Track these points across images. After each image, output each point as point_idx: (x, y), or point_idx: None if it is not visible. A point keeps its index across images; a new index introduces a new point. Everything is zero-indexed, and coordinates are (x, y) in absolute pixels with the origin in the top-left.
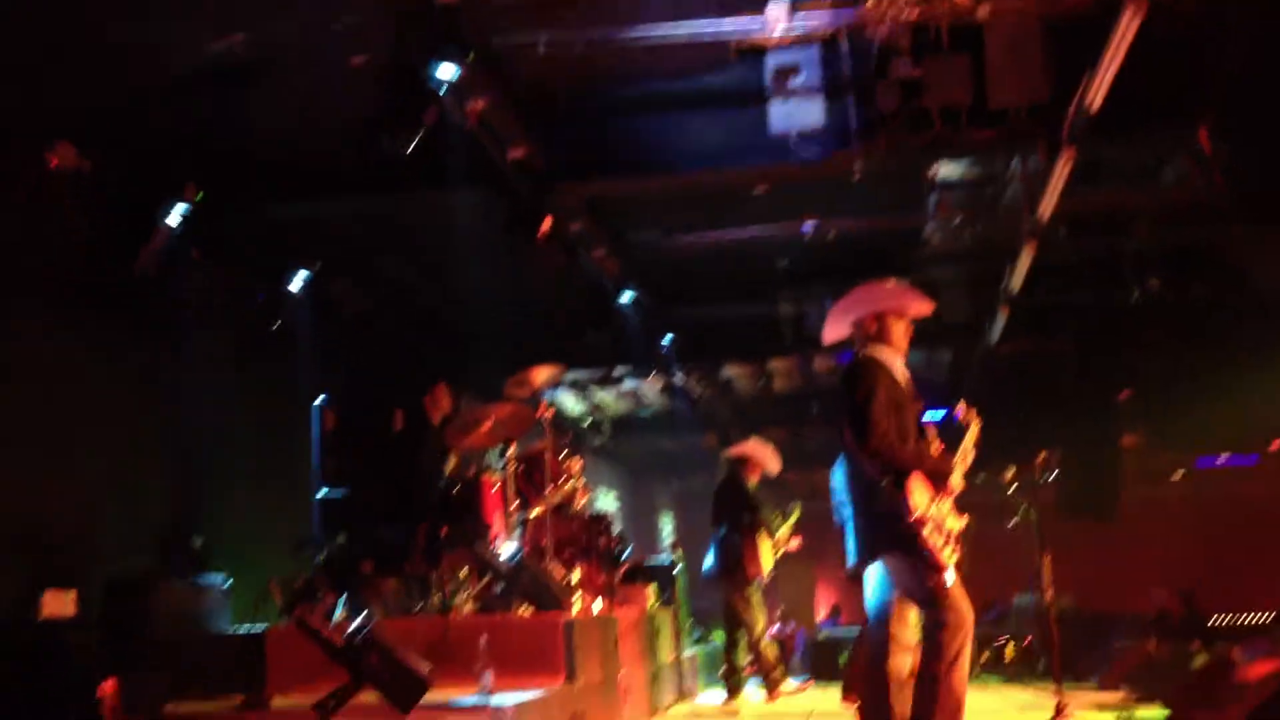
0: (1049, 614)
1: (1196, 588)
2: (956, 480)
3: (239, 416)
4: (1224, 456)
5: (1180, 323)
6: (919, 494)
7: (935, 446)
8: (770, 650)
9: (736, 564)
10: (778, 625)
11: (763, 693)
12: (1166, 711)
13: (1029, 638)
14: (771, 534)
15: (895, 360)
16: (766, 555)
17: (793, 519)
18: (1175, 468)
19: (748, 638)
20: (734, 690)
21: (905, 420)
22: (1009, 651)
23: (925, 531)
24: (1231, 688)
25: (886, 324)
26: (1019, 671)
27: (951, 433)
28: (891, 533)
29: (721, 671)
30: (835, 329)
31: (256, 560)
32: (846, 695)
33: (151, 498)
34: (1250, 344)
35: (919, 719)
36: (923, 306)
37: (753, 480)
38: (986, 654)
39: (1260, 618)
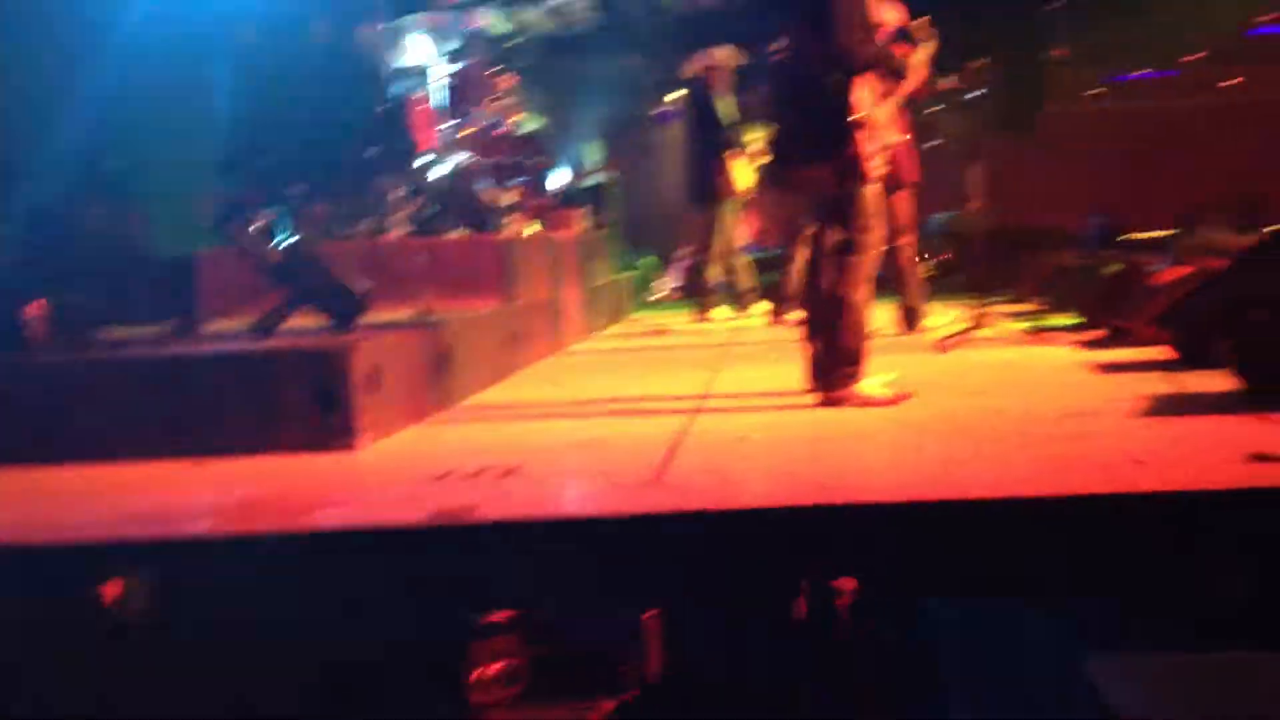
0: (976, 226)
1: (1114, 206)
2: (910, 85)
3: (151, 31)
4: (1144, 70)
5: None
6: (863, 94)
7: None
8: (743, 269)
9: (709, 184)
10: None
11: (734, 310)
12: (1079, 319)
13: (946, 254)
14: (740, 149)
15: None
16: (742, 172)
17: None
18: (1096, 84)
19: (717, 255)
20: (705, 308)
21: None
22: (926, 268)
23: (860, 134)
24: (1142, 292)
25: None
26: (936, 287)
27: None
28: (824, 136)
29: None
30: None
31: (180, 183)
32: (777, 314)
33: (65, 122)
34: None
35: (825, 336)
36: None
37: (721, 93)
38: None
39: (1169, 232)
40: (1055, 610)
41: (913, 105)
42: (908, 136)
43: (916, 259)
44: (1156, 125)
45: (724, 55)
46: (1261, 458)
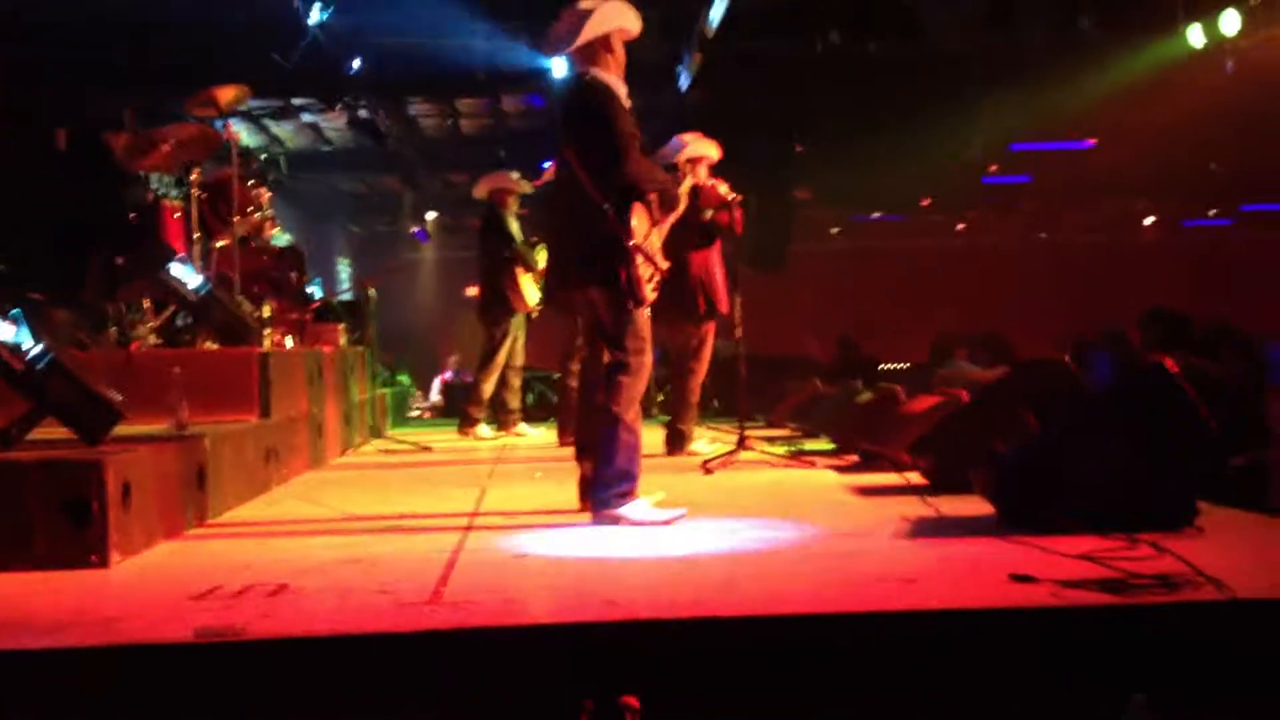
0: (738, 354)
1: (852, 334)
2: (676, 214)
3: None
4: (877, 214)
5: (856, 78)
6: (639, 220)
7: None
8: (515, 388)
9: (499, 299)
10: (450, 372)
11: (495, 430)
12: (832, 444)
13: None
14: (529, 266)
15: (620, 85)
16: (529, 289)
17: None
18: (834, 223)
19: (496, 369)
20: (504, 425)
21: (639, 144)
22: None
23: (638, 260)
24: (897, 419)
25: (615, 44)
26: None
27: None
28: (600, 259)
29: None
30: (581, 37)
31: None
32: (562, 436)
33: None
34: (918, 101)
35: (601, 457)
36: (637, 27)
37: (510, 210)
38: (662, 395)
39: (904, 365)
40: None
41: (725, 238)
42: (719, 269)
43: (699, 386)
44: (895, 263)
45: (515, 177)
46: (1020, 578)
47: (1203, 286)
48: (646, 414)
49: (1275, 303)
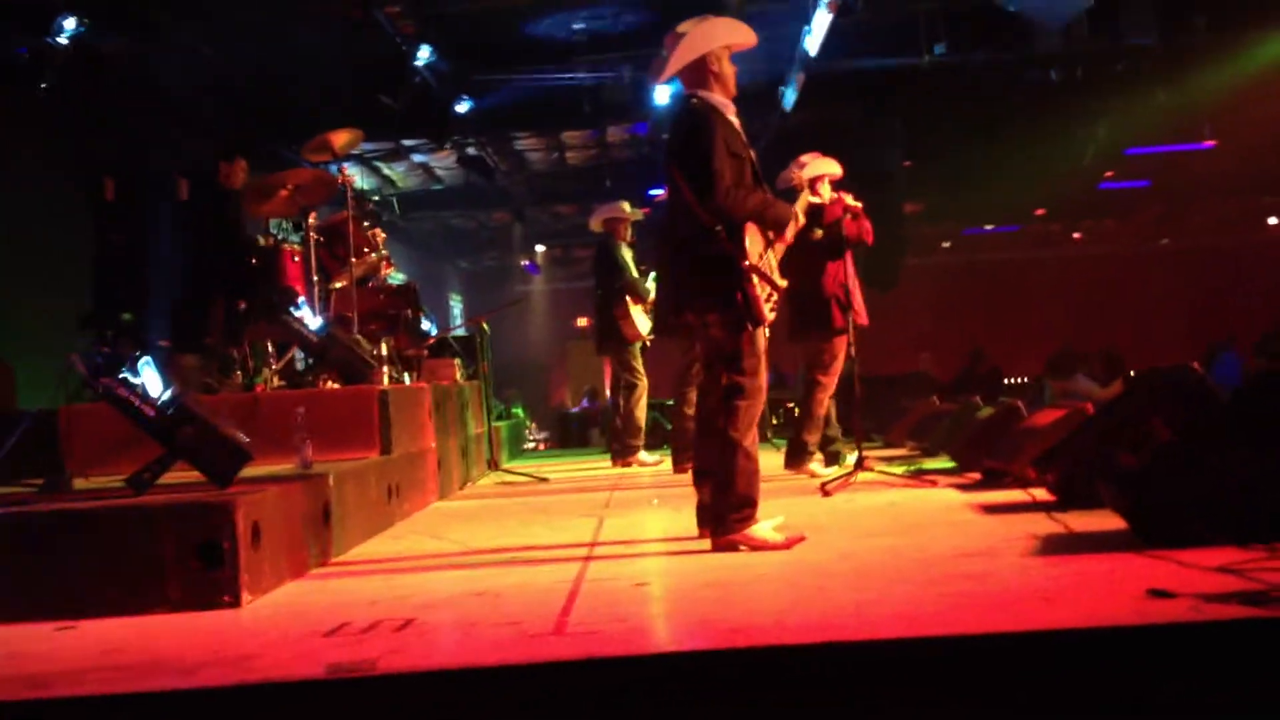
0: (853, 373)
1: (982, 348)
2: (789, 235)
3: (5, 186)
4: (990, 226)
5: (962, 90)
6: (752, 242)
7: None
8: (637, 418)
9: (612, 329)
10: (584, 401)
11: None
12: (953, 462)
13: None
14: (640, 296)
15: (728, 105)
16: (639, 318)
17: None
18: (945, 238)
19: (625, 401)
20: (616, 454)
21: (742, 169)
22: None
23: (754, 280)
24: (1019, 434)
25: (723, 63)
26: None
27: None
28: (715, 282)
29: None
30: (673, 65)
31: (41, 340)
32: (678, 464)
33: None
34: (1027, 109)
35: (721, 481)
36: (750, 37)
37: (624, 239)
38: (775, 419)
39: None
40: None
41: (857, 250)
42: (854, 281)
43: (827, 400)
44: (1010, 276)
45: (626, 206)
46: (1158, 594)
47: None
48: (762, 438)
49: None
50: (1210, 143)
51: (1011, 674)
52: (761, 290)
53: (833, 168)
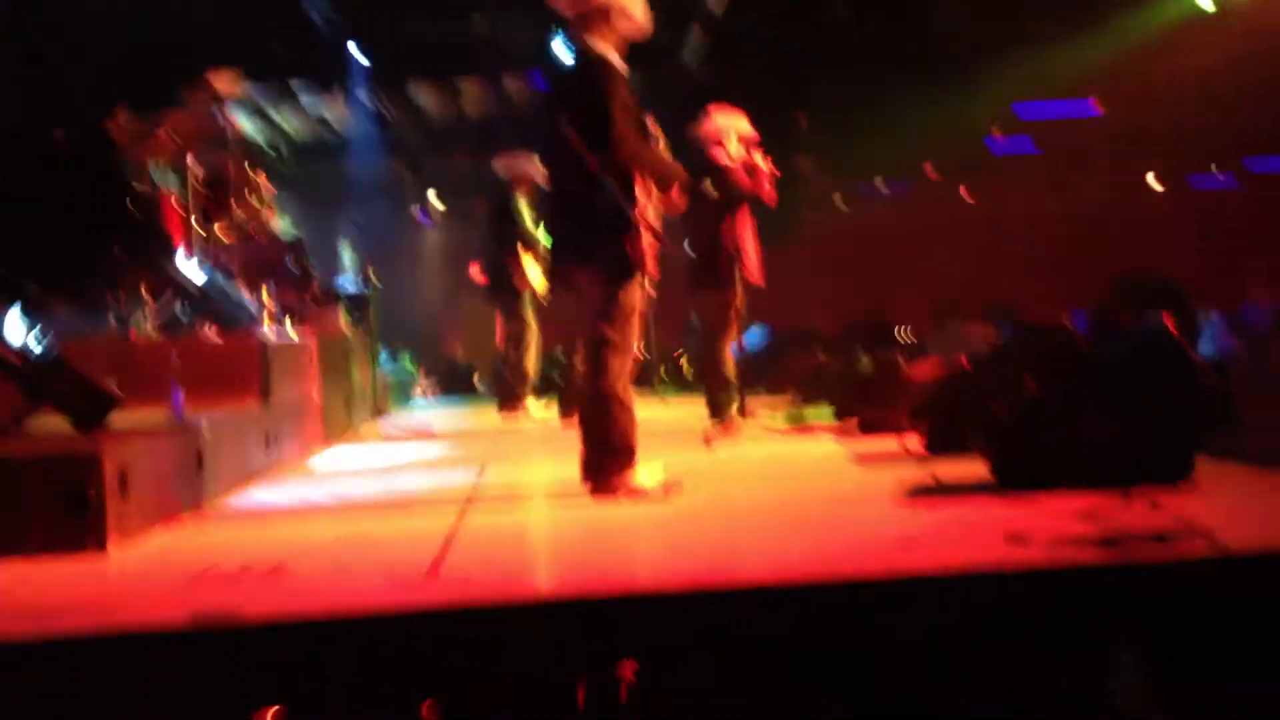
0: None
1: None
2: (676, 196)
3: None
4: (882, 184)
5: (857, 52)
6: (642, 193)
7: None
8: (526, 368)
9: (503, 279)
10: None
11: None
12: (834, 413)
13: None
14: (531, 245)
15: (619, 61)
16: (530, 268)
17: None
18: (838, 193)
19: (513, 351)
20: (504, 403)
21: (635, 121)
22: (686, 367)
23: (640, 231)
24: (897, 387)
25: (616, 21)
26: (695, 385)
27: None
28: (597, 232)
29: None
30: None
31: None
32: (566, 415)
33: None
34: (919, 68)
35: (597, 437)
36: (644, 21)
37: (522, 194)
38: (664, 367)
39: (908, 334)
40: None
41: (754, 206)
42: (751, 239)
43: (726, 355)
44: (901, 234)
45: (536, 162)
46: (1017, 539)
47: (1209, 248)
48: (648, 385)
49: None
50: (1093, 102)
51: (869, 619)
52: (648, 242)
53: (741, 123)
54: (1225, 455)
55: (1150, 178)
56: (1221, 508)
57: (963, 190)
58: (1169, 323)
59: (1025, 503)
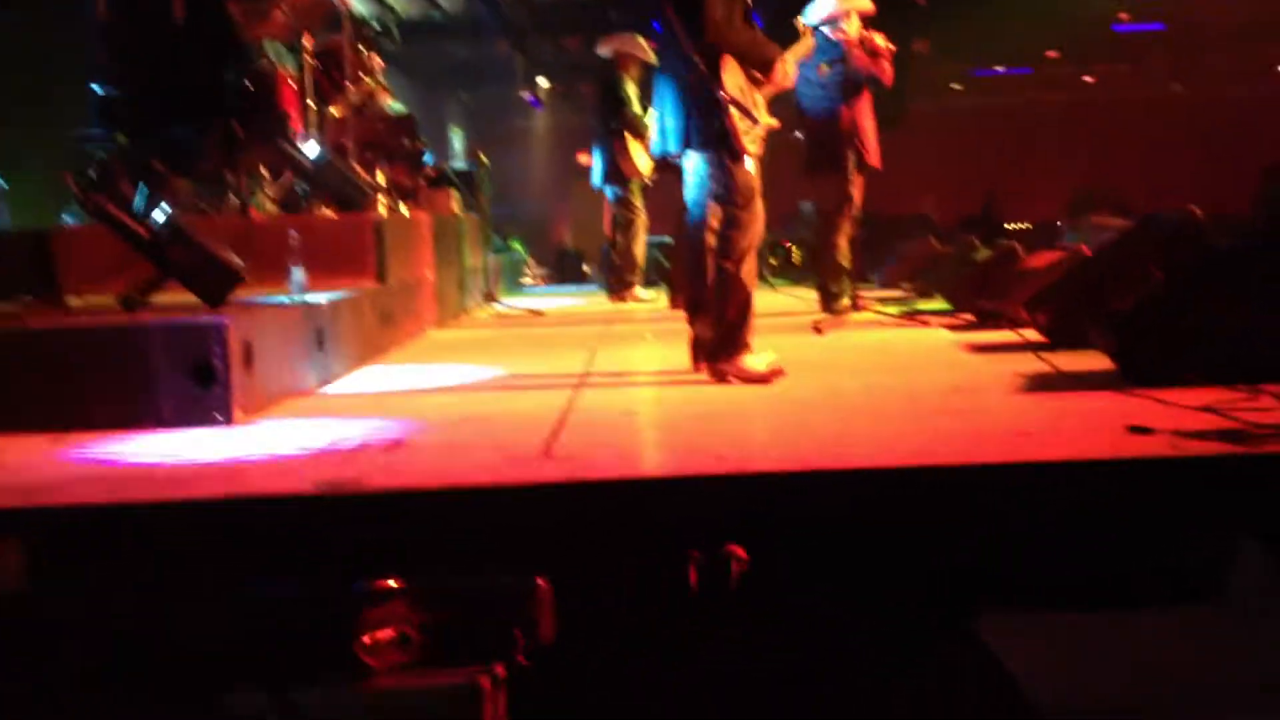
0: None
1: (988, 195)
2: (781, 76)
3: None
4: (1001, 68)
5: None
6: (731, 75)
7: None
8: (635, 255)
9: (612, 165)
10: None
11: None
12: (947, 304)
13: (813, 241)
14: (639, 132)
15: None
16: (638, 154)
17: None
18: (954, 78)
19: (622, 237)
20: (613, 290)
21: (733, 7)
22: (796, 255)
23: (733, 113)
24: (1015, 275)
25: None
26: (805, 274)
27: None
28: (706, 118)
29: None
30: None
31: (34, 161)
32: (674, 300)
33: None
34: None
35: (716, 312)
36: None
37: (630, 75)
38: (774, 259)
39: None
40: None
41: (878, 91)
42: (869, 122)
43: (842, 242)
44: (1016, 119)
45: (641, 41)
46: (1138, 430)
47: None
48: (760, 278)
49: None
50: None
51: (984, 506)
52: (742, 124)
53: (862, 3)
54: None
55: None
56: None
57: (1088, 78)
58: None
59: (1149, 396)
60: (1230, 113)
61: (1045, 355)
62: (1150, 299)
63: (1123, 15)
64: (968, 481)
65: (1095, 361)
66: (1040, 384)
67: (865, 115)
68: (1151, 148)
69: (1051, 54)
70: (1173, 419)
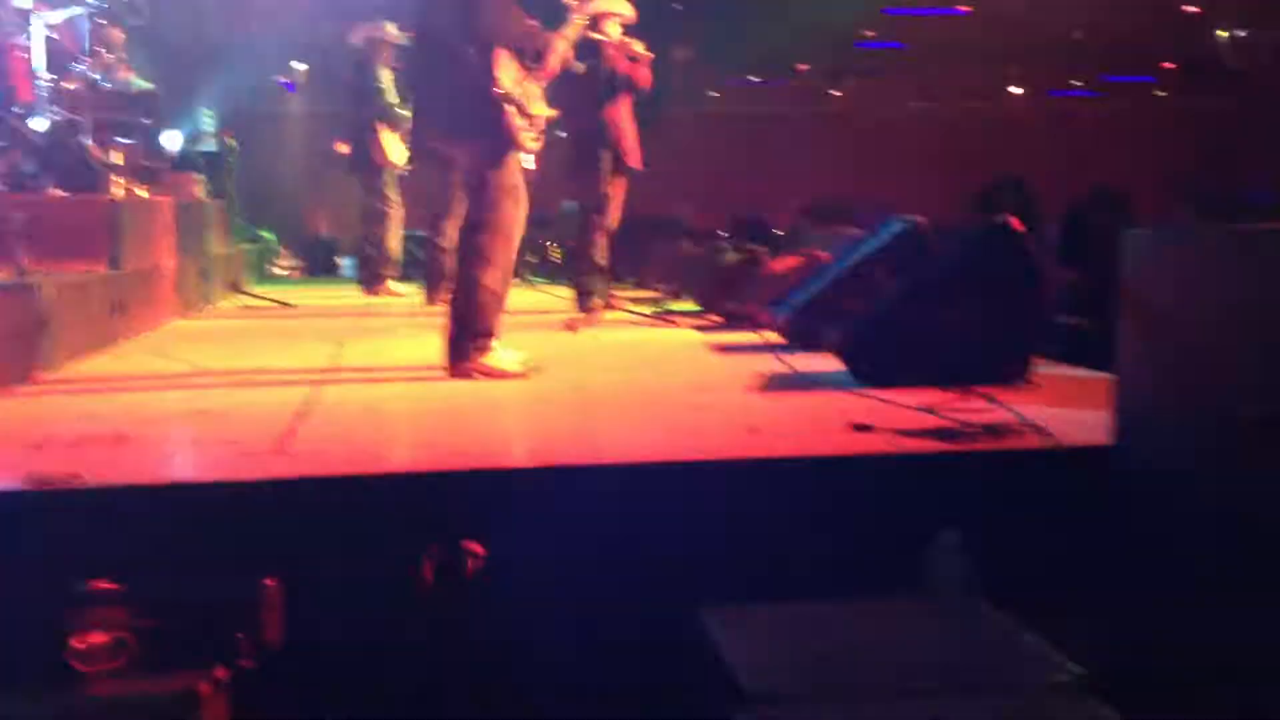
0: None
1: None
2: (552, 64)
3: None
4: (755, 78)
5: None
6: (505, 69)
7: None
8: (390, 247)
9: (364, 154)
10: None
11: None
12: (697, 304)
13: (572, 241)
14: (393, 122)
15: None
16: (392, 145)
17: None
18: (712, 86)
19: (375, 228)
20: (366, 283)
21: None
22: (555, 253)
23: (508, 109)
24: (758, 280)
25: None
26: (562, 272)
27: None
28: (467, 109)
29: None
30: None
31: None
32: (433, 298)
33: None
34: None
35: (460, 311)
36: None
37: (384, 62)
38: (533, 256)
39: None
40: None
41: (637, 95)
42: (629, 124)
43: (605, 244)
44: (768, 129)
45: (392, 29)
46: (860, 427)
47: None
48: (518, 275)
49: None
50: (965, 8)
51: (713, 500)
52: (518, 120)
53: (624, 8)
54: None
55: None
56: (1054, 405)
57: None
58: (1016, 223)
59: (873, 395)
60: (966, 128)
61: (783, 356)
62: (878, 303)
63: (868, 32)
64: (697, 476)
65: (830, 363)
66: (776, 383)
67: (625, 117)
68: (896, 160)
69: (801, 66)
70: (892, 417)
